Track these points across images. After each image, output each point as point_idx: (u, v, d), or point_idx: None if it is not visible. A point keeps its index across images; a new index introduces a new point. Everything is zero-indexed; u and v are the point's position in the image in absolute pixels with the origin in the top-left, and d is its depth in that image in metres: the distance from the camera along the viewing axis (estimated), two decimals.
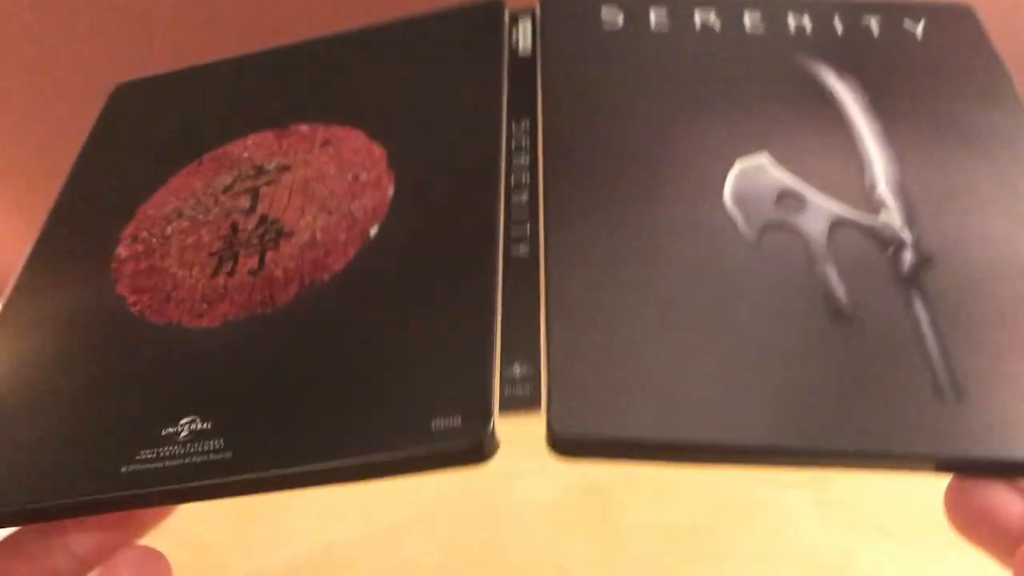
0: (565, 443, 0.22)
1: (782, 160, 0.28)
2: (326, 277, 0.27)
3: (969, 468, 0.22)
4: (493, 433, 0.21)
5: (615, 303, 0.24)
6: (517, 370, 0.23)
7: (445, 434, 0.21)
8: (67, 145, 0.36)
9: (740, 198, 0.27)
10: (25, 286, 0.30)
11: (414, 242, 0.27)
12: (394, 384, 0.24)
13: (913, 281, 0.25)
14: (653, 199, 0.27)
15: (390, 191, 0.29)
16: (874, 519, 0.41)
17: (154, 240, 0.31)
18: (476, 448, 0.21)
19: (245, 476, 0.22)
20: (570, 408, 0.22)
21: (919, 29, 0.32)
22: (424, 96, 0.32)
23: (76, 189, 0.34)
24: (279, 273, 0.28)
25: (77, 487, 0.24)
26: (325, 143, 0.32)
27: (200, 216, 0.31)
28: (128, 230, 0.31)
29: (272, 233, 0.29)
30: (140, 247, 0.31)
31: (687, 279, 0.25)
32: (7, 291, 0.30)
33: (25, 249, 0.32)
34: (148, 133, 0.36)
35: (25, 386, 0.27)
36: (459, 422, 0.22)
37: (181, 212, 0.31)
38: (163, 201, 0.32)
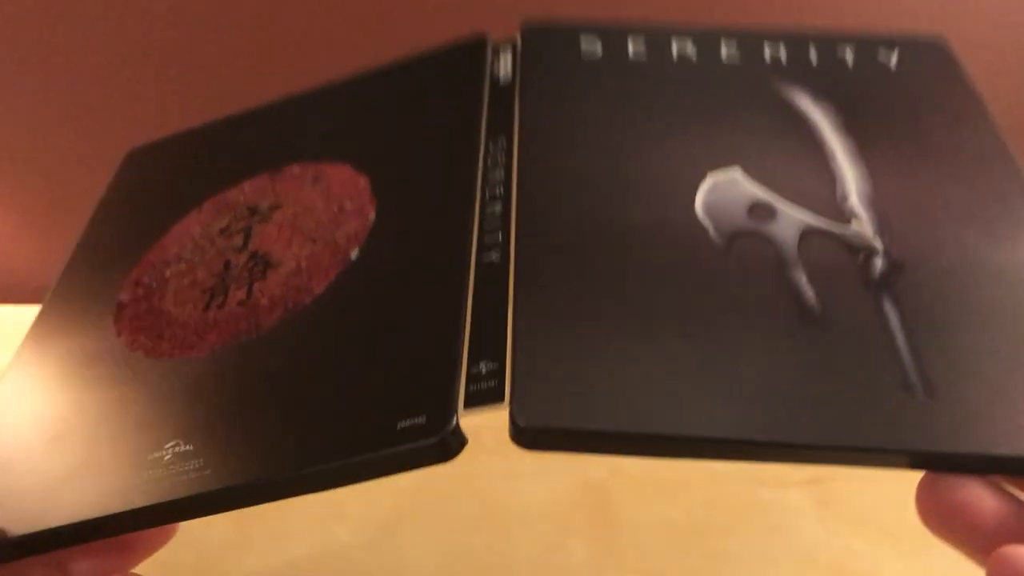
0: (527, 433, 0.22)
1: (754, 174, 0.28)
2: (308, 301, 0.28)
3: (941, 463, 0.22)
4: (457, 429, 0.22)
5: (582, 300, 0.25)
6: (484, 367, 0.23)
7: (409, 433, 0.22)
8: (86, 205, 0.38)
9: (711, 208, 0.27)
10: (37, 335, 0.32)
11: (391, 259, 0.28)
12: (364, 391, 0.24)
13: (883, 285, 0.25)
14: (623, 205, 0.27)
15: (371, 216, 0.30)
16: (874, 519, 0.41)
17: (153, 284, 0.32)
18: (440, 445, 0.22)
19: (219, 489, 0.23)
20: (532, 399, 0.22)
21: (893, 60, 0.32)
22: (408, 127, 0.33)
23: (87, 246, 0.36)
24: (265, 301, 0.29)
25: (72, 515, 0.24)
26: (315, 180, 0.33)
27: (197, 258, 0.32)
28: (131, 277, 0.33)
29: (260, 265, 0.30)
30: (141, 291, 0.32)
31: (655, 278, 0.25)
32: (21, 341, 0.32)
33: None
34: (155, 189, 0.38)
35: (34, 428, 0.28)
36: (423, 420, 0.22)
37: (181, 256, 0.33)
38: (165, 247, 0.34)
